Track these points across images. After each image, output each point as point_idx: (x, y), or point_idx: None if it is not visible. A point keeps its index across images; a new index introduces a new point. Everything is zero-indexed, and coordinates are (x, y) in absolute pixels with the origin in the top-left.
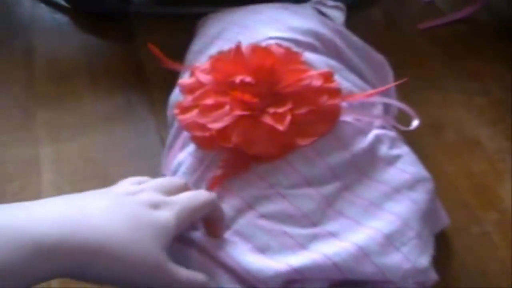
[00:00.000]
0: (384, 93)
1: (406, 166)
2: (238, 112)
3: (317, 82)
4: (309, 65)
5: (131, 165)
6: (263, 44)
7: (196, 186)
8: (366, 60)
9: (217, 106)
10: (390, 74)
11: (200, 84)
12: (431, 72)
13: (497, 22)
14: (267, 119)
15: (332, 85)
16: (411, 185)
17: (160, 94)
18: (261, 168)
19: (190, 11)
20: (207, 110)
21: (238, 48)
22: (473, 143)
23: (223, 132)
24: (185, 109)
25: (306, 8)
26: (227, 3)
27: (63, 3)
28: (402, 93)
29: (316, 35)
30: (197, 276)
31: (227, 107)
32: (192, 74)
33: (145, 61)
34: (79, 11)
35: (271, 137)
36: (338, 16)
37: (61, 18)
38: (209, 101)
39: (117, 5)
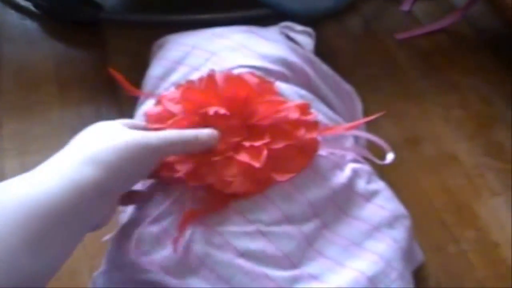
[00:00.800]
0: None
1: (384, 202)
2: (211, 156)
3: (294, 115)
4: (283, 96)
5: None
6: (234, 72)
7: (163, 218)
8: (335, 89)
9: None
10: (359, 105)
11: (169, 114)
12: (409, 84)
13: (476, 34)
14: (243, 156)
15: (309, 117)
16: (390, 223)
17: (129, 105)
18: (239, 203)
19: (164, 19)
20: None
21: (211, 76)
22: (451, 157)
23: (194, 172)
24: None
25: (274, 33)
26: (198, 13)
27: (33, 9)
28: (380, 105)
29: (286, 64)
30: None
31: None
32: (158, 102)
33: (114, 70)
34: (49, 18)
35: (247, 174)
36: (307, 42)
37: (30, 24)
38: None
39: (89, 12)
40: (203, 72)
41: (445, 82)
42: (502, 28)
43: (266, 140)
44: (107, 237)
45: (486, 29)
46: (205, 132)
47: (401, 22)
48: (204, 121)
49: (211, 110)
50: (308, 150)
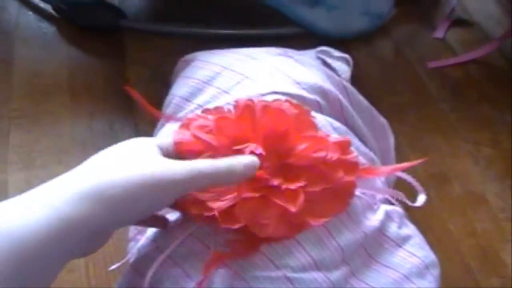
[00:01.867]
0: (385, 159)
1: (415, 249)
2: (246, 194)
3: (334, 155)
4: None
5: None
6: (267, 98)
7: (182, 258)
8: (369, 122)
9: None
10: (391, 139)
11: (201, 145)
12: (438, 116)
13: (511, 66)
14: (278, 199)
15: (349, 157)
16: (420, 272)
17: (145, 123)
18: (267, 246)
19: (187, 31)
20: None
21: (249, 107)
22: (479, 199)
23: (227, 212)
24: None
25: (310, 58)
26: (225, 28)
27: (52, 12)
28: (406, 137)
29: (322, 92)
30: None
31: (231, 191)
32: (185, 126)
33: (132, 82)
34: (68, 23)
35: (282, 218)
36: (344, 69)
37: (47, 28)
38: None
39: (109, 19)
40: (233, 96)
41: (476, 117)
42: None
43: (303, 182)
44: (113, 266)
45: None
46: (244, 162)
47: (433, 50)
48: None
49: (248, 149)
50: (345, 194)
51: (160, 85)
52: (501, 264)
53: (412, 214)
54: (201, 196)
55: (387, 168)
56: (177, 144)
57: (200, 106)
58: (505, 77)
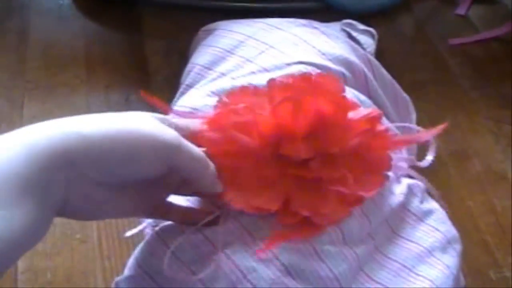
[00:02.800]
0: (405, 132)
1: (437, 223)
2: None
3: (367, 138)
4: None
5: None
6: (293, 69)
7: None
8: (393, 97)
9: (265, 180)
10: (413, 116)
11: (236, 147)
12: (460, 94)
13: None
14: (333, 185)
15: (381, 129)
16: (443, 247)
17: (162, 96)
18: None
19: (207, 4)
20: (253, 184)
21: (295, 103)
22: (499, 176)
23: (283, 208)
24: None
25: (335, 30)
26: (246, 1)
27: None
28: (427, 113)
29: (347, 64)
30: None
31: (280, 185)
32: (215, 122)
33: (149, 55)
34: None
35: (339, 202)
36: (369, 43)
37: (63, 0)
38: (253, 173)
39: None
40: (257, 65)
41: (497, 95)
42: None
43: (343, 168)
44: (129, 233)
45: None
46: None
47: (455, 27)
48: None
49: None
50: (383, 167)
51: (177, 58)
52: None
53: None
54: (252, 201)
55: (410, 137)
56: (210, 142)
57: (222, 74)
58: None
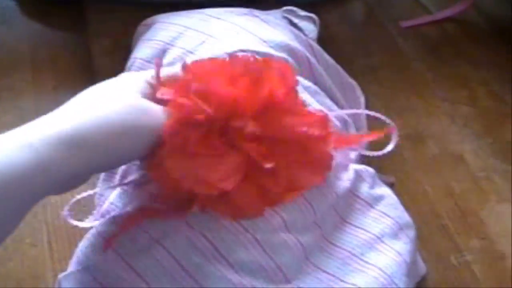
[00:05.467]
0: (356, 120)
1: (388, 209)
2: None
3: (315, 130)
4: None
5: None
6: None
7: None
8: (339, 82)
9: (218, 155)
10: (362, 100)
11: (199, 115)
12: (414, 76)
13: (487, 22)
14: (261, 177)
15: (328, 131)
16: (394, 233)
17: None
18: None
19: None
20: (207, 158)
21: (253, 80)
22: (456, 158)
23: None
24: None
25: (276, 17)
26: None
27: None
28: (381, 98)
29: (290, 50)
30: None
31: (233, 162)
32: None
33: (96, 54)
34: None
35: (262, 198)
36: (311, 29)
37: (6, 3)
38: (206, 147)
39: None
40: (198, 56)
41: (452, 76)
42: None
43: (282, 158)
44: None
45: (499, 19)
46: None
47: (407, 9)
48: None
49: (246, 129)
50: (323, 166)
51: (124, 54)
52: (481, 224)
53: (386, 176)
54: (204, 172)
55: (360, 136)
56: (176, 106)
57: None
58: (481, 34)
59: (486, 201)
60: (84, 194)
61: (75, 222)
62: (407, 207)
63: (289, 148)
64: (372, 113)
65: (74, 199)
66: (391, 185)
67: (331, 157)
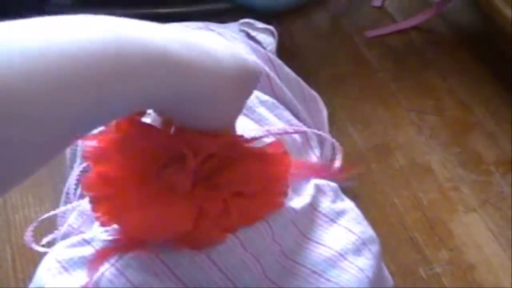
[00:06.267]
0: (318, 129)
1: (351, 224)
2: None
3: (270, 149)
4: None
5: (36, 192)
6: None
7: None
8: (300, 94)
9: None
10: (324, 112)
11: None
12: (379, 86)
13: (453, 31)
14: (212, 209)
15: (284, 152)
16: (357, 248)
17: None
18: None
19: (116, 13)
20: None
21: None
22: (424, 169)
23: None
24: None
25: (233, 31)
26: (154, 7)
27: None
28: (347, 109)
29: None
30: None
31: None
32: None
33: None
34: None
35: (217, 227)
36: (269, 41)
37: None
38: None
39: (34, 4)
40: None
41: (418, 85)
42: (480, 25)
43: (234, 188)
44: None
45: (463, 27)
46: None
47: (371, 19)
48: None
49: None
50: (279, 194)
51: None
52: (449, 235)
53: (354, 189)
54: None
55: (317, 165)
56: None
57: None
58: (446, 42)
59: (454, 212)
60: (46, 215)
61: (36, 247)
62: (374, 219)
63: (242, 172)
64: (320, 132)
65: (35, 223)
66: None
67: (285, 191)
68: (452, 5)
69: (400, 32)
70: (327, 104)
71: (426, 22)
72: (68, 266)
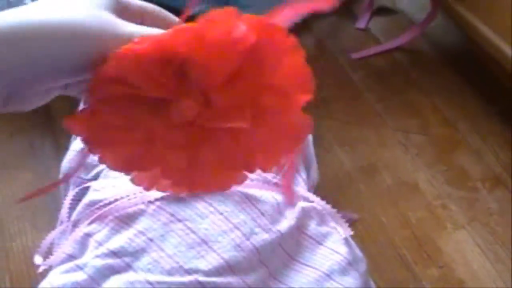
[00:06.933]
0: (304, 153)
1: (337, 245)
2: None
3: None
4: None
5: (32, 220)
6: None
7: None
8: None
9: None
10: (309, 136)
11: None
12: (365, 107)
13: (436, 50)
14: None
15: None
16: (343, 269)
17: (66, 138)
18: (172, 249)
19: None
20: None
21: None
22: (411, 187)
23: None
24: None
25: None
26: None
27: None
28: (333, 131)
29: None
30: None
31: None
32: None
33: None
34: None
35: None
36: None
37: None
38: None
39: None
40: None
41: (403, 105)
42: (463, 44)
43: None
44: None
45: (447, 46)
46: None
47: (356, 41)
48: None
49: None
50: (299, 132)
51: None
52: (438, 253)
53: (341, 209)
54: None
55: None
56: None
57: None
58: (430, 62)
59: (443, 229)
60: (49, 240)
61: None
62: (363, 239)
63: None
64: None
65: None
66: (353, 222)
67: (308, 122)
68: (435, 25)
69: (384, 53)
70: (314, 126)
71: (410, 43)
72: None
